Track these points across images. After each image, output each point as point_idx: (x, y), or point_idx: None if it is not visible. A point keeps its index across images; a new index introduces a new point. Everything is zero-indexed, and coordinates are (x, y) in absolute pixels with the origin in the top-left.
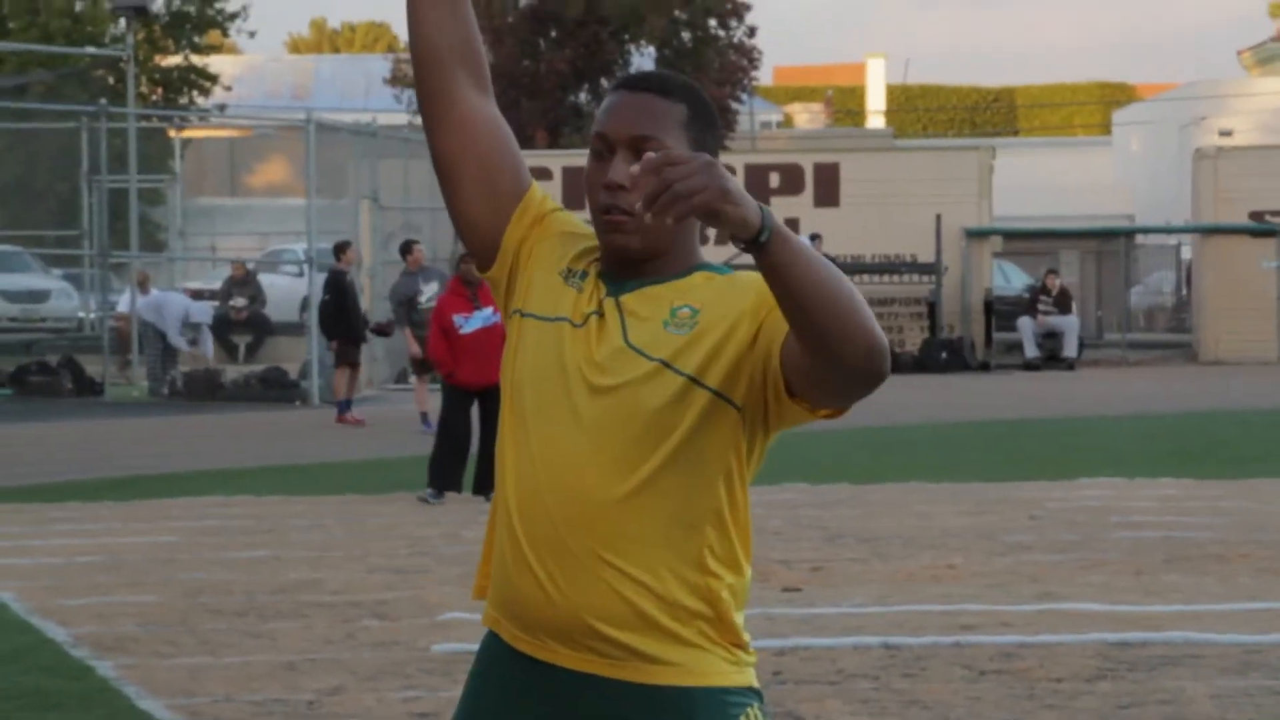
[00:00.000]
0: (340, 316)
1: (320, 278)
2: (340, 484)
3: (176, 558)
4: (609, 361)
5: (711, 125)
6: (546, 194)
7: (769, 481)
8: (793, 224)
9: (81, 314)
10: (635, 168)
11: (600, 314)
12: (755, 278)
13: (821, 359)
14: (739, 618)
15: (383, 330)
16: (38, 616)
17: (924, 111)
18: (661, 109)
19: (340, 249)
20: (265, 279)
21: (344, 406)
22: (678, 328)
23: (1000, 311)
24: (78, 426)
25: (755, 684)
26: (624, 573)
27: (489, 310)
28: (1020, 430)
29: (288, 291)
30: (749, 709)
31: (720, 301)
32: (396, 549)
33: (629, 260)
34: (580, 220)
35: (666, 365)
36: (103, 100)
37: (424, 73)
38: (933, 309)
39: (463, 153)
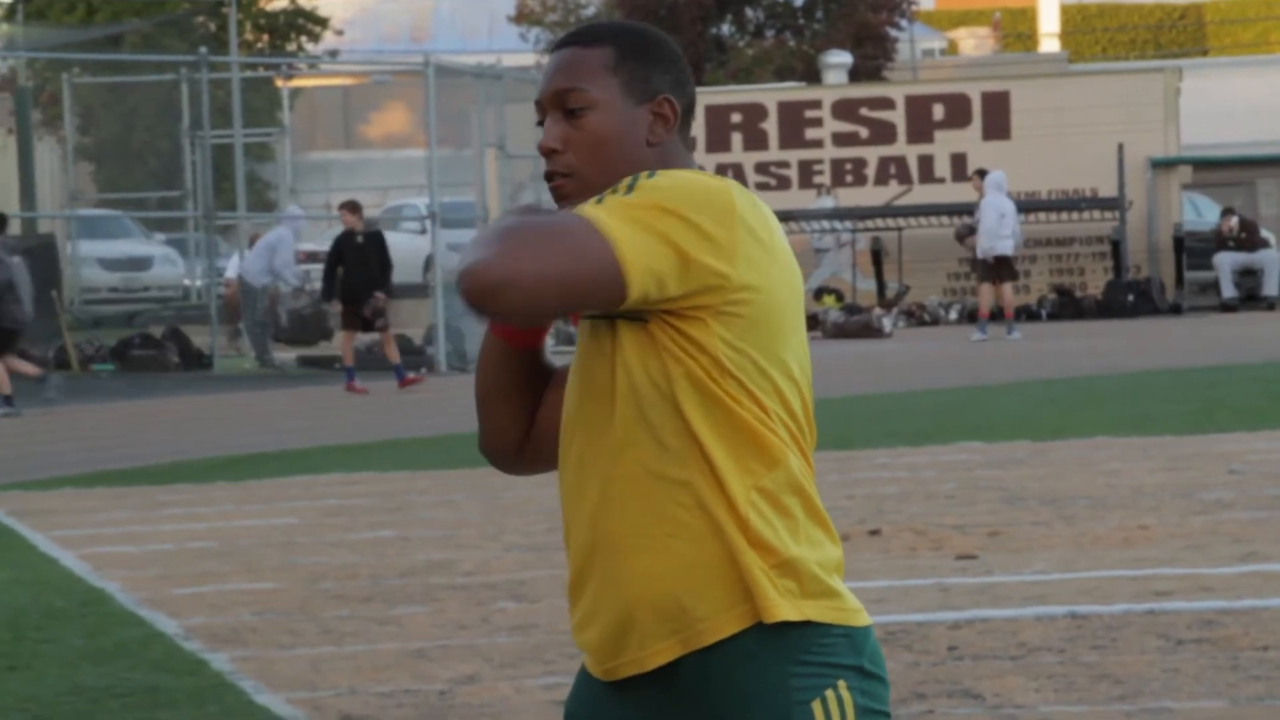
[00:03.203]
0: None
1: (446, 235)
2: (470, 457)
3: (295, 541)
4: None
5: (652, 61)
6: None
7: (940, 440)
8: (960, 160)
9: (187, 281)
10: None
11: None
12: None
13: None
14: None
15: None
16: (146, 608)
17: (1102, 32)
18: (582, 58)
19: (348, 208)
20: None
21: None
22: None
23: (1192, 249)
24: (186, 402)
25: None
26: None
27: None
28: (1217, 377)
29: (409, 250)
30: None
31: None
32: (533, 525)
33: None
34: None
35: None
36: (203, 49)
37: (491, 457)
38: (1116, 248)
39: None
